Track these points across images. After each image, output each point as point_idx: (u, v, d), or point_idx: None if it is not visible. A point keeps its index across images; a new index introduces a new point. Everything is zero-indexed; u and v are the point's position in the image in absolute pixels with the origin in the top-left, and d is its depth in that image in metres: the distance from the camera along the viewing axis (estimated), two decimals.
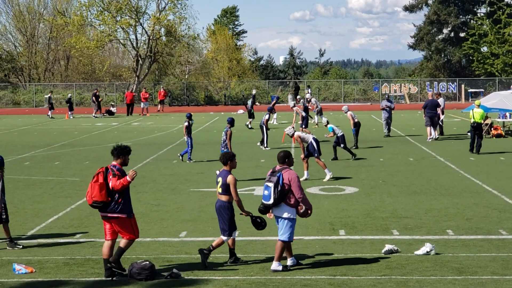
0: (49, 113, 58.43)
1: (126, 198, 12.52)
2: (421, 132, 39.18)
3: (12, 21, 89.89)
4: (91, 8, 75.74)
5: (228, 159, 13.48)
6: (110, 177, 12.48)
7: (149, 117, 58.90)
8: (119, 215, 12.46)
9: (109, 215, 12.49)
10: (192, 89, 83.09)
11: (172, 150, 33.30)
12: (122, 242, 12.62)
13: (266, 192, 12.84)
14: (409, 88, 78.52)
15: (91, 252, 14.27)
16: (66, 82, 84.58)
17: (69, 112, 59.09)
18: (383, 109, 38.13)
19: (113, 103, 63.08)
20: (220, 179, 13.38)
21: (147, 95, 63.86)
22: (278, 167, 12.99)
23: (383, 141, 35.65)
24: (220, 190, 13.38)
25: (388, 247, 13.85)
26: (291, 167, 13.10)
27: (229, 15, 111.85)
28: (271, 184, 12.72)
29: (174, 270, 12.42)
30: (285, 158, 13.03)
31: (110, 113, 61.11)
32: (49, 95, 60.66)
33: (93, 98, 60.79)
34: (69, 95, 64.58)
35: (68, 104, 59.51)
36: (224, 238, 13.24)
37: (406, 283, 11.81)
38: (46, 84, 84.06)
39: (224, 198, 13.36)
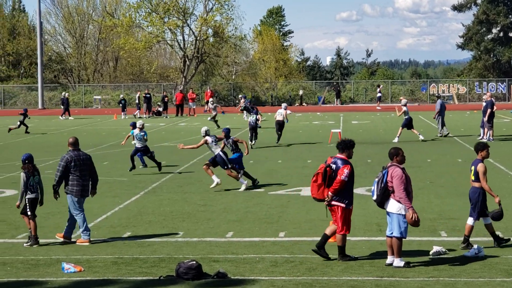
0: (61, 116, 59.00)
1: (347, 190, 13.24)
2: (470, 133, 38.80)
3: (61, 22, 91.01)
4: (140, 9, 76.31)
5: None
6: (344, 170, 13.17)
7: (196, 117, 59.15)
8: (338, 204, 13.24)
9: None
10: (239, 90, 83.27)
11: None
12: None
13: (372, 188, 12.95)
14: (458, 89, 77.75)
15: (138, 251, 14.37)
16: (114, 83, 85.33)
17: (122, 113, 59.70)
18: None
19: (159, 104, 63.40)
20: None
21: (194, 96, 64.16)
22: (388, 164, 12.96)
23: (430, 142, 35.35)
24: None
25: (436, 248, 13.74)
26: (402, 165, 12.93)
27: (275, 15, 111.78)
28: (377, 180, 12.81)
29: (221, 270, 12.46)
30: (394, 155, 12.97)
31: (158, 113, 61.49)
32: (65, 95, 61.46)
33: (141, 98, 61.30)
34: (121, 95, 65.16)
35: (121, 105, 60.19)
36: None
37: (454, 285, 11.71)
38: (95, 85, 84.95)
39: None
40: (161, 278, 12.37)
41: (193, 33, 77.28)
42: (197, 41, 76.89)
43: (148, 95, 61.31)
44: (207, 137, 22.68)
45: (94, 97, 78.84)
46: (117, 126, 50.83)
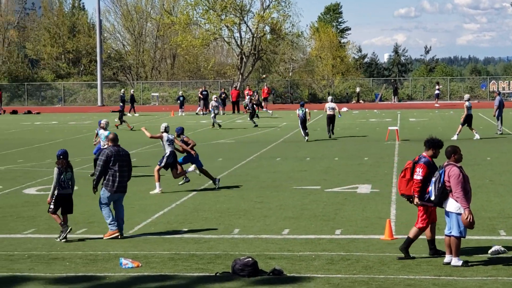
0: (130, 113, 59.48)
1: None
2: None
3: (120, 20, 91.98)
4: (197, 7, 76.73)
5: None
6: (417, 169, 12.99)
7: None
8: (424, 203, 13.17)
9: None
10: (296, 87, 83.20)
11: (276, 147, 33.41)
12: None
13: (430, 188, 12.83)
14: None
15: (195, 248, 14.45)
16: (172, 80, 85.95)
17: (180, 110, 60.14)
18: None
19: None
20: None
21: (251, 93, 64.29)
22: (445, 163, 12.83)
23: (489, 140, 34.87)
24: None
25: (495, 247, 13.55)
26: (459, 163, 12.78)
27: (333, 12, 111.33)
28: (434, 180, 12.69)
29: (277, 267, 12.45)
30: (452, 154, 12.84)
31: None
32: (131, 91, 62.05)
33: (199, 95, 61.68)
34: (180, 92, 65.62)
35: (179, 102, 60.65)
36: None
37: None
38: (153, 82, 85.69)
39: None
40: (217, 274, 12.42)
41: (250, 30, 77.41)
42: (254, 38, 76.97)
43: (205, 92, 61.60)
44: (164, 134, 22.50)
45: (152, 94, 79.54)
46: (174, 123, 51.15)
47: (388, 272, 12.43)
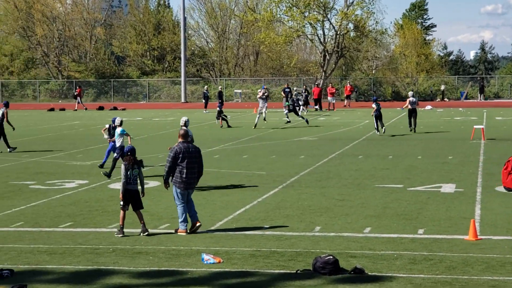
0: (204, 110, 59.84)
1: None
2: None
3: (204, 17, 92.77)
4: (280, 4, 76.77)
5: None
6: None
7: (336, 112, 59.04)
8: None
9: None
10: (379, 85, 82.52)
11: (358, 145, 33.23)
12: None
13: None
14: None
15: (276, 245, 14.47)
16: (254, 77, 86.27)
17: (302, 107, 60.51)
18: None
19: (299, 98, 63.60)
20: None
21: (334, 90, 64.05)
22: None
23: None
24: None
25: None
26: None
27: (418, 9, 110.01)
28: None
29: (358, 266, 12.39)
30: None
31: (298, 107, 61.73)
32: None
33: (282, 92, 61.76)
34: (295, 90, 65.82)
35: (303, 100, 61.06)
36: None
37: None
38: (235, 79, 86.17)
39: None
40: (298, 272, 12.42)
41: (333, 27, 77.08)
42: (337, 36, 76.64)
43: (288, 89, 61.63)
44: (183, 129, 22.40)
45: (235, 91, 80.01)
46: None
47: (472, 273, 12.24)
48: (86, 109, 66.70)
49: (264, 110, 44.99)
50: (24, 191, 21.36)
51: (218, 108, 45.85)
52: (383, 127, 37.87)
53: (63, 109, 66.82)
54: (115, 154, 24.32)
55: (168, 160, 15.78)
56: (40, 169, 26.28)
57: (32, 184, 22.56)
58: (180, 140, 16.03)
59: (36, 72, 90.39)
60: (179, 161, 15.74)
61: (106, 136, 26.53)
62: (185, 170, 15.69)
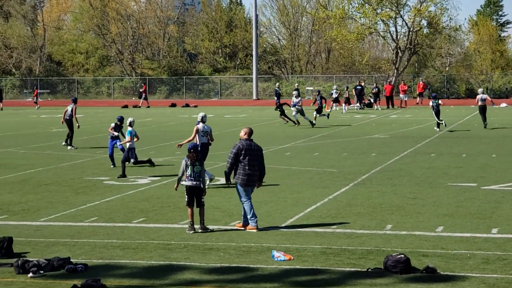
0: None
1: None
2: None
3: (276, 15, 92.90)
4: (352, 1, 76.43)
5: None
6: None
7: (408, 109, 58.48)
8: None
9: None
10: (453, 82, 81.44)
11: (431, 143, 32.86)
12: None
13: None
14: None
15: (347, 242, 14.42)
16: (326, 74, 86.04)
17: (333, 104, 60.18)
18: None
19: (371, 95, 63.24)
20: None
21: (406, 88, 63.45)
22: None
23: None
24: None
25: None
26: None
27: (493, 5, 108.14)
28: None
29: (430, 265, 12.26)
30: None
31: (370, 105, 61.37)
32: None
33: (354, 90, 61.49)
34: (334, 87, 65.58)
35: (334, 97, 60.76)
36: None
37: None
38: (307, 76, 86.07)
39: None
40: (369, 270, 12.36)
41: (406, 24, 76.38)
42: (410, 32, 75.90)
43: (360, 87, 61.31)
44: (200, 125, 22.38)
45: (307, 88, 79.89)
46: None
47: None
48: (148, 106, 67.35)
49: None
50: (98, 187, 21.72)
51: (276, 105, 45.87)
52: (442, 122, 38.61)
53: (136, 106, 67.68)
54: (123, 156, 24.30)
55: (230, 157, 15.84)
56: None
57: (106, 180, 22.92)
58: (243, 136, 16.09)
59: (111, 69, 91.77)
60: (241, 157, 15.81)
61: (113, 134, 26.33)
62: (246, 167, 15.76)
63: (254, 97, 78.66)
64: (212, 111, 60.21)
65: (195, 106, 67.69)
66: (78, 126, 33.19)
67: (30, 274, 12.18)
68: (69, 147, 32.12)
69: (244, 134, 16.15)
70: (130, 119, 24.88)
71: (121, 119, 26.48)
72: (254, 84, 79.19)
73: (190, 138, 22.09)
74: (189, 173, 15.54)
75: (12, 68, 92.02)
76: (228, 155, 16.02)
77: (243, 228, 15.77)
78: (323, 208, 18.23)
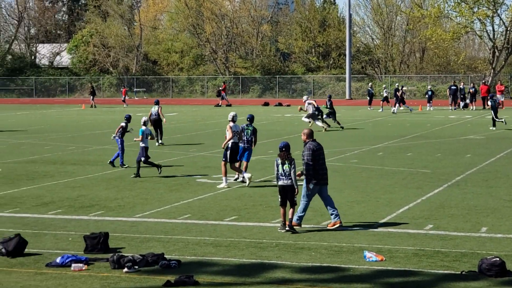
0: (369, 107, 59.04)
1: None
2: None
3: (370, 14, 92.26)
4: (448, 0, 75.27)
5: None
6: None
7: (504, 110, 57.29)
8: None
9: None
10: None
11: None
12: None
13: None
14: None
15: (440, 244, 14.24)
16: (420, 74, 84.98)
17: (428, 104, 59.49)
18: None
19: (467, 95, 62.08)
20: None
21: (503, 88, 62.13)
22: None
23: None
24: None
25: None
26: None
27: None
28: None
29: None
30: None
31: (465, 106, 60.30)
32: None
33: (448, 90, 60.57)
34: (429, 87, 64.73)
35: (427, 96, 60.03)
36: None
37: None
38: (400, 76, 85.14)
39: None
40: (463, 273, 12.18)
41: (504, 23, 74.78)
42: (508, 31, 74.28)
43: (454, 87, 60.34)
44: (231, 124, 22.26)
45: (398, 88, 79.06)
46: (421, 117, 50.65)
47: None
48: (230, 105, 67.67)
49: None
50: (191, 184, 22.00)
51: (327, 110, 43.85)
52: (498, 120, 40.08)
53: (229, 105, 68.17)
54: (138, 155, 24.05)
55: (309, 159, 15.78)
56: (207, 163, 26.97)
57: (199, 178, 23.20)
58: (307, 139, 16.05)
59: (205, 68, 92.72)
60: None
61: (115, 135, 26.14)
62: (317, 167, 15.83)
63: (347, 96, 78.32)
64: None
65: (288, 105, 67.78)
66: (165, 121, 34.39)
67: (125, 269, 12.43)
68: (157, 144, 33.02)
69: (307, 137, 16.16)
70: (143, 118, 24.94)
71: (128, 118, 26.54)
72: (347, 84, 78.85)
73: (229, 138, 22.15)
74: (280, 172, 15.60)
75: (109, 67, 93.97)
76: (303, 159, 15.90)
77: (334, 227, 15.78)
78: (415, 209, 18.03)
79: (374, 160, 27.44)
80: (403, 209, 18.00)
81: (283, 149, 15.82)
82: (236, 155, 22.04)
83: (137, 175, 23.46)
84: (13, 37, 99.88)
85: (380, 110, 56.83)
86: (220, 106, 67.38)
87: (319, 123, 40.17)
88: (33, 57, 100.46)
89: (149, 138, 24.37)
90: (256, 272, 12.38)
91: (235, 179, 22.49)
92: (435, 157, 28.06)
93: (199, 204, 18.92)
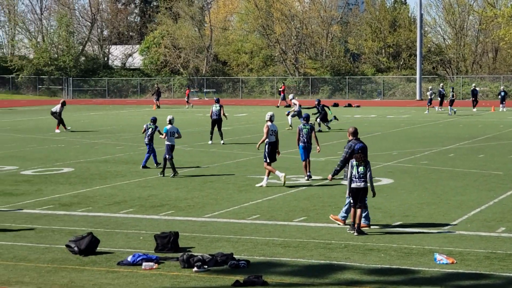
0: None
1: None
2: None
3: (441, 14, 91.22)
4: None
5: None
6: None
7: None
8: None
9: None
10: None
11: None
12: None
13: None
14: None
15: None
16: (493, 75, 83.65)
17: (501, 105, 58.60)
18: None
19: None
20: None
21: None
22: None
23: None
24: None
25: None
26: None
27: None
28: None
29: None
30: None
31: None
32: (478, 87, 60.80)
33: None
34: (501, 87, 63.73)
35: (500, 97, 59.13)
36: None
37: None
38: (473, 76, 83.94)
39: None
40: None
41: None
42: None
43: None
44: (268, 123, 22.31)
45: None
46: (494, 118, 49.87)
47: None
48: (288, 105, 67.45)
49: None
50: (260, 185, 22.00)
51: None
52: None
53: (288, 106, 68.00)
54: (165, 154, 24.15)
55: (347, 151, 16.31)
56: (277, 164, 26.96)
57: (270, 178, 23.22)
58: (350, 137, 16.49)
59: (274, 69, 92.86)
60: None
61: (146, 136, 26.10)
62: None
63: (418, 97, 77.55)
64: (374, 111, 59.85)
65: (358, 106, 67.46)
66: (227, 118, 35.75)
67: (195, 269, 12.55)
68: (222, 142, 33.64)
69: (351, 135, 16.56)
70: (169, 117, 25.00)
71: (154, 120, 26.36)
72: (418, 85, 78.08)
73: (264, 138, 22.32)
74: (354, 173, 15.55)
75: (180, 68, 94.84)
76: (343, 155, 16.40)
77: (336, 220, 16.26)
78: (487, 211, 17.78)
79: (445, 161, 27.12)
80: (475, 211, 17.76)
81: (359, 151, 15.79)
82: (275, 154, 22.28)
83: (163, 173, 24.09)
84: (86, 39, 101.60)
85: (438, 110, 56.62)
86: (279, 107, 67.20)
87: (290, 120, 40.51)
88: (106, 59, 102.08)
89: (175, 136, 24.58)
90: (325, 273, 12.36)
91: (307, 179, 22.89)
92: (508, 159, 27.60)
93: (268, 204, 18.97)
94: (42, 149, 32.59)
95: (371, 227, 15.81)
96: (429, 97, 57.63)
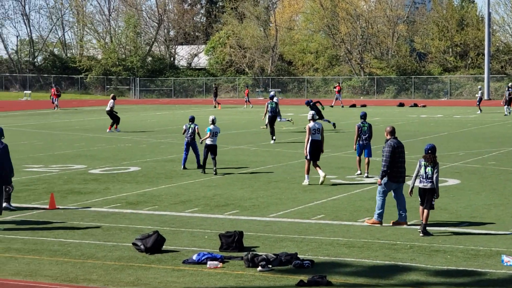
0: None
1: None
2: None
3: (510, 12, 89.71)
4: None
5: None
6: None
7: None
8: None
9: None
10: None
11: None
12: None
13: None
14: None
15: None
16: None
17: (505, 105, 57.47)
18: None
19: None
20: None
21: None
22: None
23: None
24: None
25: None
26: None
27: None
28: None
29: None
30: None
31: None
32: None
33: None
34: (479, 87, 62.57)
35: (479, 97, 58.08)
36: None
37: None
38: None
39: None
40: None
41: None
42: None
43: None
44: (311, 123, 22.37)
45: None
46: None
47: None
48: (342, 106, 67.03)
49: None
50: (325, 185, 21.96)
51: None
52: None
53: (364, 105, 67.81)
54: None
55: (387, 156, 16.22)
56: (342, 164, 26.92)
57: (333, 178, 23.17)
58: (388, 137, 16.51)
59: (339, 69, 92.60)
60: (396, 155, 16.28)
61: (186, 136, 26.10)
62: (398, 164, 16.27)
63: (486, 97, 76.43)
64: (441, 111, 59.22)
65: (424, 106, 66.81)
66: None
67: (259, 268, 12.59)
68: (271, 141, 34.02)
69: (389, 134, 16.57)
70: (211, 117, 25.20)
71: (192, 119, 26.29)
72: (486, 84, 76.99)
73: (307, 137, 22.29)
74: (422, 173, 15.46)
75: (245, 68, 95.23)
76: (383, 155, 16.32)
77: (372, 223, 16.26)
78: None
79: None
80: None
81: (429, 151, 15.65)
82: (317, 152, 22.34)
83: (203, 170, 24.54)
84: (153, 39, 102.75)
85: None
86: (333, 106, 66.76)
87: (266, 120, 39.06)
88: (172, 59, 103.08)
89: (217, 136, 24.94)
90: (390, 274, 12.29)
91: (358, 174, 23.49)
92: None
93: (333, 204, 18.93)
94: (110, 148, 33.07)
95: (436, 228, 15.64)
96: (479, 97, 56.89)
